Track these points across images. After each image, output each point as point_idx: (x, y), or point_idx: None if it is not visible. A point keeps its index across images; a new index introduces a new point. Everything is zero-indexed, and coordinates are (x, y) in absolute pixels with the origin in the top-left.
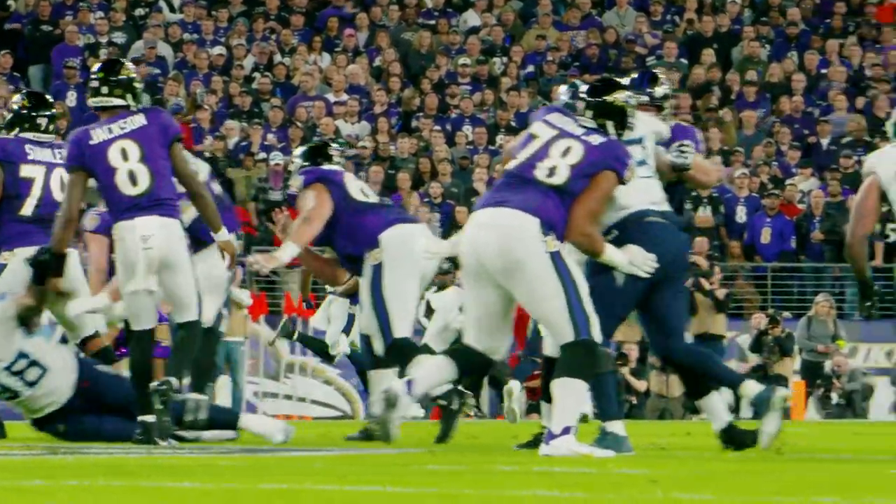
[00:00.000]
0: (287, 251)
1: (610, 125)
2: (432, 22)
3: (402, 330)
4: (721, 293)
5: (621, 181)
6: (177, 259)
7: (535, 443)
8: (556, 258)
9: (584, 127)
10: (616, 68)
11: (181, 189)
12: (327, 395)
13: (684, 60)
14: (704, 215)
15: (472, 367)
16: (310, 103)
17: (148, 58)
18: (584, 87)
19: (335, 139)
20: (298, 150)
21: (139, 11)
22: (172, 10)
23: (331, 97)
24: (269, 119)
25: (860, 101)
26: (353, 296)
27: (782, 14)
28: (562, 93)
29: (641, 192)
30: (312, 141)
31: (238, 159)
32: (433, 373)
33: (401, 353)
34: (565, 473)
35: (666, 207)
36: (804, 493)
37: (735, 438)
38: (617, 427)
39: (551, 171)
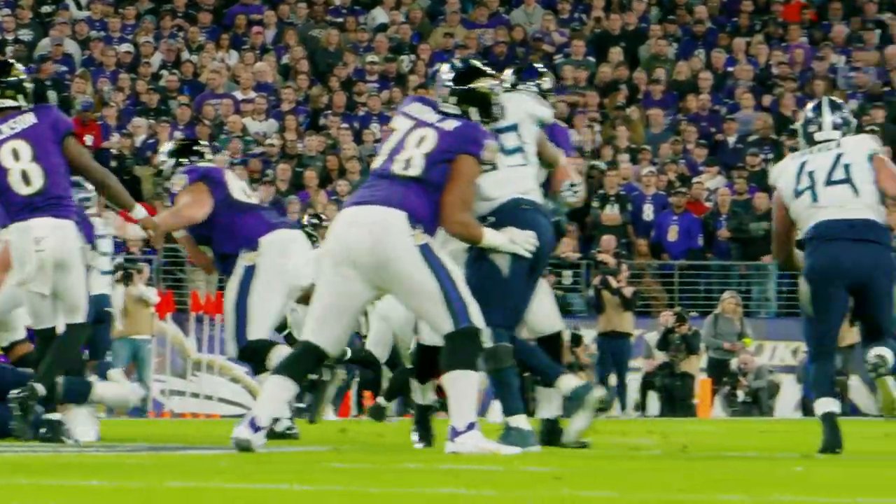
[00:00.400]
0: (139, 213)
1: (473, 112)
2: (340, 20)
3: (256, 333)
4: (628, 291)
5: (482, 163)
6: (69, 260)
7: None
8: (425, 251)
9: (442, 113)
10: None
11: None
12: (234, 393)
13: (592, 59)
14: (611, 213)
15: (312, 367)
16: (217, 101)
17: (55, 55)
18: (449, 74)
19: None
20: (165, 149)
21: (46, 9)
22: (79, 7)
23: (238, 95)
24: (177, 117)
25: (767, 100)
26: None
27: (689, 12)
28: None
29: (513, 182)
30: (177, 140)
31: (145, 157)
32: (273, 398)
33: (254, 355)
34: (472, 471)
35: (537, 197)
36: (710, 490)
37: (552, 433)
38: (521, 422)
39: (407, 163)
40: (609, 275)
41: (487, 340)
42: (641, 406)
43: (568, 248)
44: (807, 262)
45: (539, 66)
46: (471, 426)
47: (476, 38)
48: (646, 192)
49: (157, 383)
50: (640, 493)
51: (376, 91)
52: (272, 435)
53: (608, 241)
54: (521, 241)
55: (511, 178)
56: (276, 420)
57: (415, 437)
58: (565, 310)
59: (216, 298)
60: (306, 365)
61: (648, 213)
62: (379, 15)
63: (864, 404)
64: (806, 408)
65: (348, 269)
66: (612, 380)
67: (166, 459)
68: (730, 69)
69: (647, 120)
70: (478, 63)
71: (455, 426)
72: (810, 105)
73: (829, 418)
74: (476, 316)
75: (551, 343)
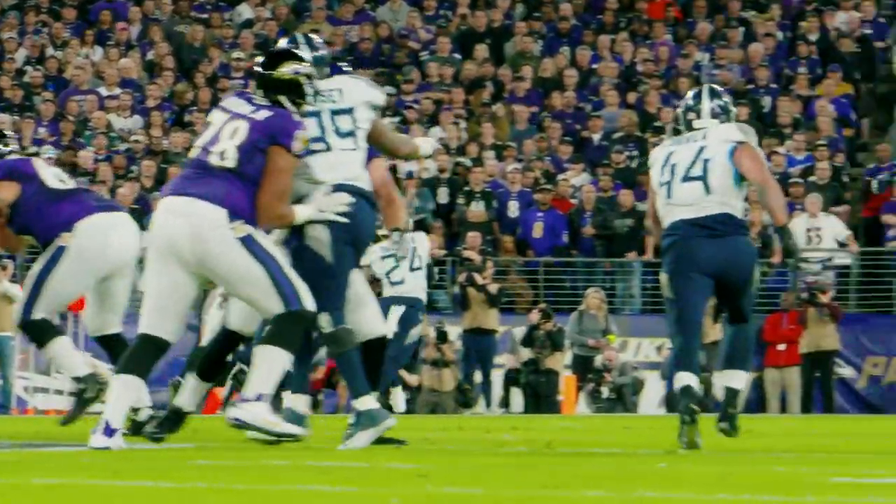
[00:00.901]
0: None
1: (284, 99)
2: (205, 15)
3: (42, 312)
4: (493, 288)
5: (293, 154)
6: None
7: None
8: (248, 242)
9: (256, 105)
10: (390, 63)
11: None
12: None
13: (457, 55)
14: (477, 210)
15: (154, 359)
16: (82, 97)
17: None
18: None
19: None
20: None
21: None
22: None
23: (103, 91)
24: (41, 113)
25: (632, 97)
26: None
27: (554, 9)
28: None
29: (344, 166)
30: None
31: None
32: (121, 398)
33: (33, 331)
34: (337, 468)
35: (363, 184)
36: (574, 486)
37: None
38: (368, 403)
39: (222, 155)
40: (474, 271)
41: (327, 326)
42: (505, 403)
43: (434, 245)
44: (665, 258)
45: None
46: (259, 398)
47: (342, 35)
48: (511, 188)
49: (20, 380)
50: (504, 489)
51: (242, 87)
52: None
53: (473, 237)
54: (329, 205)
55: (342, 161)
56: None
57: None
58: (431, 307)
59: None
60: (148, 358)
61: (514, 209)
62: (244, 11)
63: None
64: (670, 404)
65: (171, 259)
66: (477, 376)
67: (31, 456)
68: (595, 66)
69: (513, 117)
70: (284, 47)
71: (245, 394)
72: (691, 92)
73: (687, 391)
74: (308, 300)
75: (373, 348)
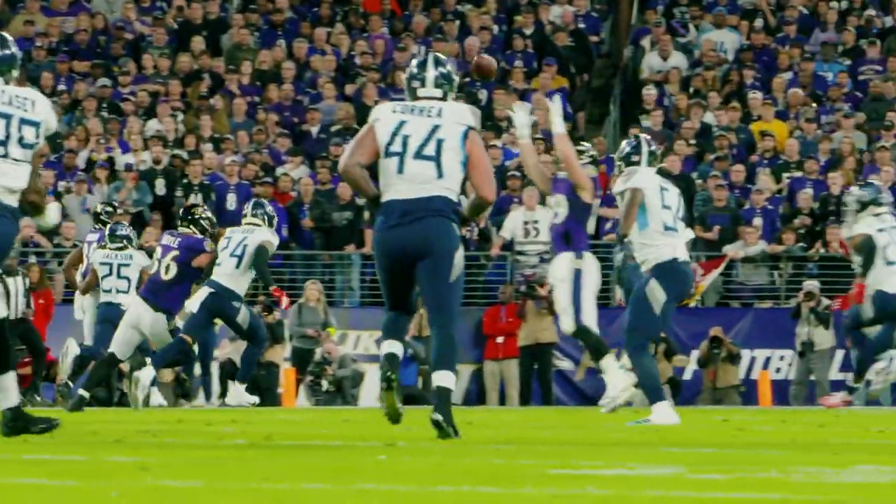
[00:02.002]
0: None
1: None
2: None
3: None
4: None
5: None
6: None
7: None
8: None
9: None
10: (106, 54)
11: None
12: None
13: (174, 47)
14: (196, 202)
15: None
16: None
17: None
18: None
19: None
20: None
21: None
22: None
23: None
24: None
25: (349, 90)
26: None
27: (270, 1)
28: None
29: (4, 177)
30: None
31: None
32: None
33: None
34: (56, 461)
35: (9, 199)
36: (294, 479)
37: (18, 421)
38: None
39: None
40: None
41: None
42: (224, 395)
43: (152, 238)
44: (375, 239)
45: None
46: None
47: (58, 26)
48: (229, 181)
49: None
50: (224, 482)
51: None
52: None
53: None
54: None
55: (6, 172)
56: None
57: None
58: None
59: None
60: None
61: (232, 202)
62: None
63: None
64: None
65: None
66: (197, 369)
67: None
68: (312, 59)
69: (231, 109)
70: None
71: None
72: (416, 61)
73: (391, 357)
74: None
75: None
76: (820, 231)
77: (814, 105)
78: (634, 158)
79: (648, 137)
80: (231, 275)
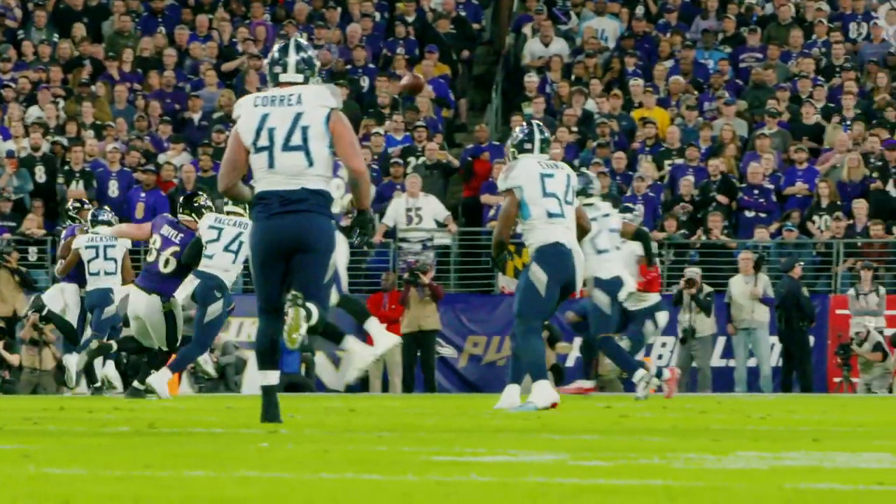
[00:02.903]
0: None
1: None
2: None
3: None
4: None
5: None
6: None
7: None
8: None
9: None
10: None
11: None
12: None
13: (55, 34)
14: (77, 190)
15: None
16: None
17: None
18: None
19: None
20: None
21: None
22: None
23: None
24: None
25: (225, 66)
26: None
27: None
28: None
29: None
30: None
31: None
32: None
33: None
34: None
35: None
36: (176, 466)
37: None
38: None
39: None
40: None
41: None
42: (109, 383)
43: (33, 225)
44: (252, 229)
45: None
46: None
47: None
48: (111, 168)
49: None
50: (107, 469)
51: None
52: None
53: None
54: None
55: None
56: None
57: None
58: (32, 286)
59: None
60: None
61: (114, 189)
62: None
63: (329, 380)
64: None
65: None
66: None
67: None
68: (193, 46)
69: (112, 96)
70: None
71: None
72: (277, 46)
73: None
74: None
75: None
76: (701, 218)
77: (695, 92)
78: (527, 146)
79: (541, 124)
80: (227, 269)
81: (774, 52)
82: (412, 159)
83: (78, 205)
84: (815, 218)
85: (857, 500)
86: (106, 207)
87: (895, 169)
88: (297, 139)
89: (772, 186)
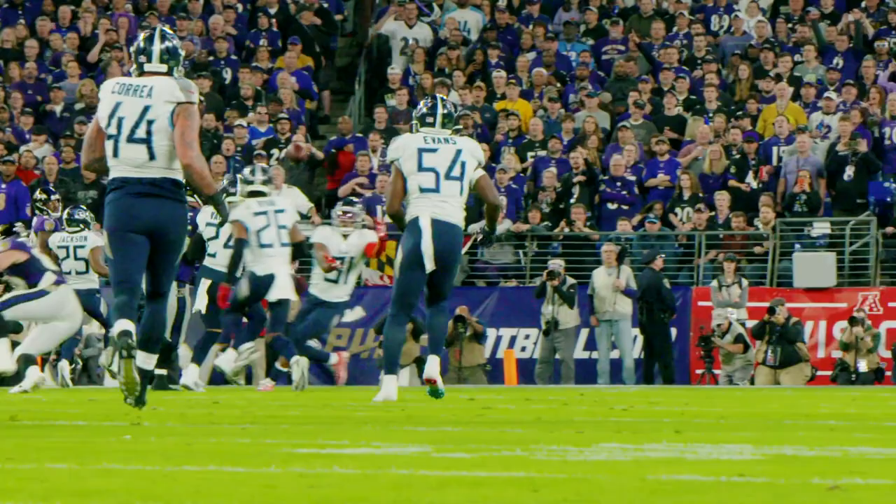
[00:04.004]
0: None
1: None
2: None
3: None
4: None
5: None
6: None
7: None
8: None
9: None
10: None
11: None
12: None
13: None
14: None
15: None
16: None
17: None
18: None
19: None
20: None
21: None
22: None
23: None
24: None
25: (94, 69)
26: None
27: None
28: None
29: None
30: None
31: None
32: None
33: None
34: None
35: None
36: (38, 459)
37: None
38: None
39: None
40: None
41: None
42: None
43: None
44: (109, 208)
45: None
46: None
47: None
48: None
49: None
50: None
51: None
52: None
53: None
54: None
55: None
56: None
57: None
58: None
59: None
60: None
61: None
62: None
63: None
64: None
65: None
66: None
67: None
68: (55, 37)
69: None
70: None
71: None
72: (145, 35)
73: (126, 332)
74: None
75: None
76: (564, 210)
77: (558, 84)
78: (428, 119)
79: (445, 98)
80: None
81: (636, 44)
82: (276, 151)
83: (44, 196)
84: (678, 210)
85: (719, 492)
86: (81, 206)
87: (754, 161)
88: (141, 132)
89: (634, 178)
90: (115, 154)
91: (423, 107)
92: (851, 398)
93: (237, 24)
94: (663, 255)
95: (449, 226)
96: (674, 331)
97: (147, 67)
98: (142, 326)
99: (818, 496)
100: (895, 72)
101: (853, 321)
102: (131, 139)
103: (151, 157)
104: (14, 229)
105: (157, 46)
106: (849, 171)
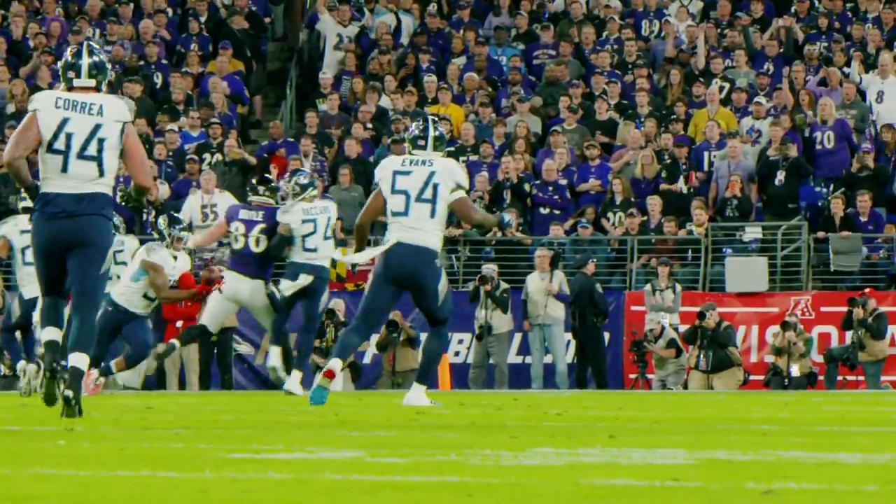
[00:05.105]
0: None
1: None
2: None
3: None
4: None
5: None
6: None
7: None
8: None
9: None
10: None
11: None
12: None
13: None
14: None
15: None
16: None
17: None
18: None
19: None
20: None
21: None
22: None
23: None
24: None
25: (23, 71)
26: None
27: None
28: None
29: None
30: None
31: None
32: None
33: None
34: None
35: None
36: None
37: None
38: None
39: None
40: None
41: None
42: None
43: None
44: (35, 225)
45: None
46: None
47: None
48: None
49: None
50: None
51: None
52: None
53: None
54: None
55: None
56: None
57: None
58: None
59: None
60: None
61: None
62: None
63: (126, 377)
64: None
65: None
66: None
67: None
68: None
69: None
70: None
71: None
72: (72, 50)
73: (53, 344)
74: None
75: None
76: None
77: (489, 89)
78: (420, 143)
79: (437, 120)
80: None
81: (566, 48)
82: (207, 156)
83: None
84: (609, 215)
85: (653, 496)
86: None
87: (685, 166)
88: (92, 149)
89: (566, 182)
90: (65, 169)
91: (414, 129)
92: (784, 403)
93: (168, 27)
94: (595, 260)
95: (414, 248)
96: (607, 335)
97: (76, 83)
98: (74, 331)
99: (751, 500)
100: (825, 77)
101: (785, 326)
102: (82, 156)
103: (101, 173)
104: None
105: (84, 61)
106: (780, 176)
